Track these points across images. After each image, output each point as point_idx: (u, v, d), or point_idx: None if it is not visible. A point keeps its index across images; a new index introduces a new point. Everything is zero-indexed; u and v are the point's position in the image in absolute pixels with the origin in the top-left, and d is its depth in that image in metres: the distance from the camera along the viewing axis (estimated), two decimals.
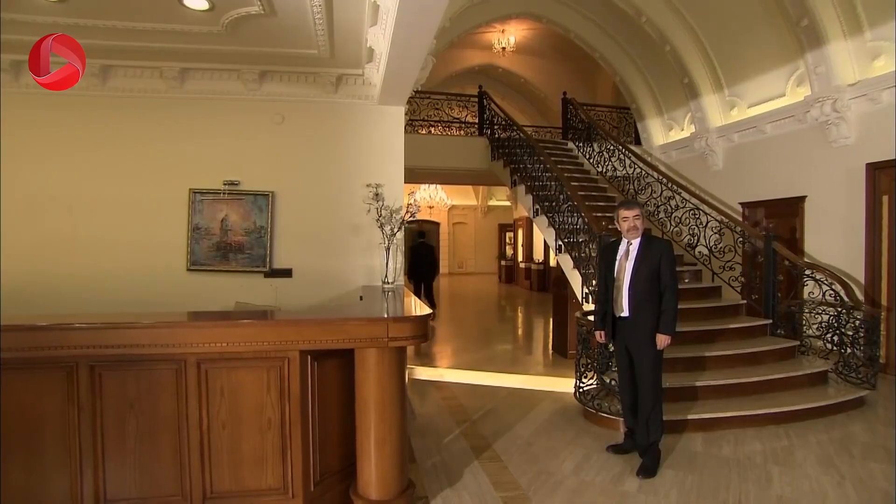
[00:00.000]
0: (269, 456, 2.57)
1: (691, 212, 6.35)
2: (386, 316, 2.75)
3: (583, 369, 4.52)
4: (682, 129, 9.13)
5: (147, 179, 4.27)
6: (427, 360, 6.67)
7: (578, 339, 4.54)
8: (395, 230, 4.16)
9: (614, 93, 12.25)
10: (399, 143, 4.47)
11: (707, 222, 6.15)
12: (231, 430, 2.54)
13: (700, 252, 6.22)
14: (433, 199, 20.63)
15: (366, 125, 4.44)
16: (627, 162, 7.76)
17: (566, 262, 6.13)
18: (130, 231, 4.24)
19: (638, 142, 10.10)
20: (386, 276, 4.13)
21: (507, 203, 20.80)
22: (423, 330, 2.65)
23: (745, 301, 5.65)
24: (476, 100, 9.89)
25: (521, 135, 8.10)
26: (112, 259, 4.21)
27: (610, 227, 4.92)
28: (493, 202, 23.21)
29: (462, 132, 9.92)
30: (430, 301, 10.32)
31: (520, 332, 9.78)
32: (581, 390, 4.53)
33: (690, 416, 3.98)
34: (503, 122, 8.91)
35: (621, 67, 9.74)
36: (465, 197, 22.94)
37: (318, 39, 3.79)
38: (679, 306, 3.41)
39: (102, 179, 4.26)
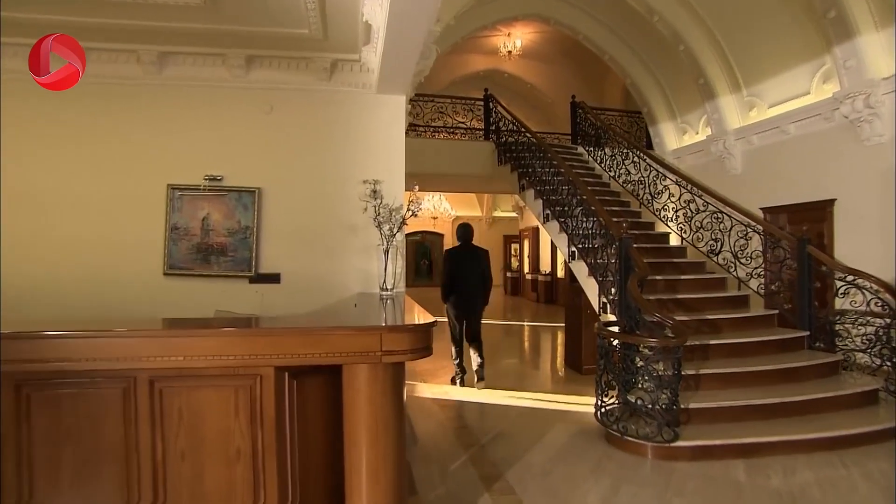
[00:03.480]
0: (238, 492, 2.12)
1: (713, 216, 5.91)
2: (380, 325, 2.32)
3: (605, 387, 4.06)
4: (697, 133, 8.73)
5: (121, 174, 3.85)
6: (429, 375, 6.19)
7: (599, 353, 4.08)
8: (395, 230, 3.74)
9: (624, 97, 11.90)
10: (399, 136, 4.07)
11: (731, 226, 5.70)
12: (192, 462, 2.09)
13: (724, 258, 5.76)
14: (437, 210, 20.26)
15: (363, 116, 4.04)
16: (642, 165, 7.34)
17: (580, 270, 5.69)
18: (102, 231, 3.82)
19: (650, 147, 9.69)
20: (384, 281, 3.70)
21: (513, 214, 20.39)
22: (424, 342, 2.21)
23: (776, 311, 5.18)
24: (482, 103, 9.54)
25: (530, 137, 7.71)
26: (80, 262, 3.78)
27: (631, 231, 4.50)
28: (497, 213, 22.81)
29: (467, 136, 9.55)
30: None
31: (528, 345, 9.29)
32: (603, 410, 4.07)
33: (729, 441, 3.51)
34: (510, 126, 8.53)
35: (632, 70, 9.37)
36: (469, 207, 22.54)
37: (309, 15, 3.41)
38: (706, 317, 2.95)
39: (71, 174, 3.85)
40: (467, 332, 5.68)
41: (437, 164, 9.05)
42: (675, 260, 6.00)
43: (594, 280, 5.25)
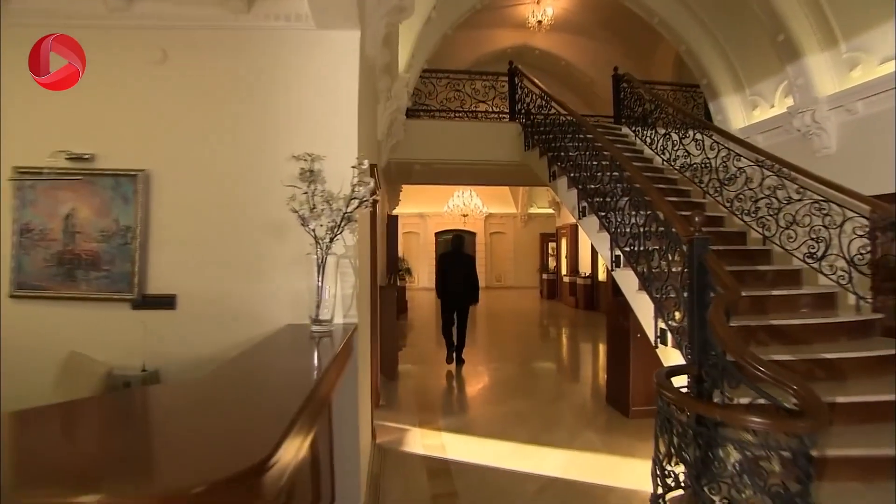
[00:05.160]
0: None
1: (815, 207, 4.30)
2: None
3: (666, 470, 2.60)
4: (773, 106, 7.00)
5: None
6: (427, 414, 4.85)
7: (659, 422, 2.62)
8: (338, 229, 2.41)
9: (676, 71, 10.22)
10: (349, 91, 2.72)
11: (843, 221, 4.08)
12: None
13: (831, 265, 4.14)
14: (467, 207, 18.87)
15: (296, 62, 2.72)
16: (707, 144, 5.74)
17: (627, 281, 4.20)
18: None
19: (706, 129, 7.97)
20: (319, 311, 2.39)
21: (550, 210, 18.76)
22: None
23: None
24: (506, 79, 8.10)
25: (561, 110, 6.24)
26: None
27: (703, 229, 3.00)
28: (533, 209, 21.23)
29: (489, 119, 8.13)
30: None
31: (560, 366, 7.78)
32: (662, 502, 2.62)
33: None
34: (539, 102, 7.07)
35: (688, 34, 7.71)
36: (503, 204, 21.08)
37: None
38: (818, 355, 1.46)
39: None
40: (458, 325, 7.07)
41: (451, 150, 7.70)
42: (758, 267, 4.41)
43: (648, 296, 3.77)
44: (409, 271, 15.85)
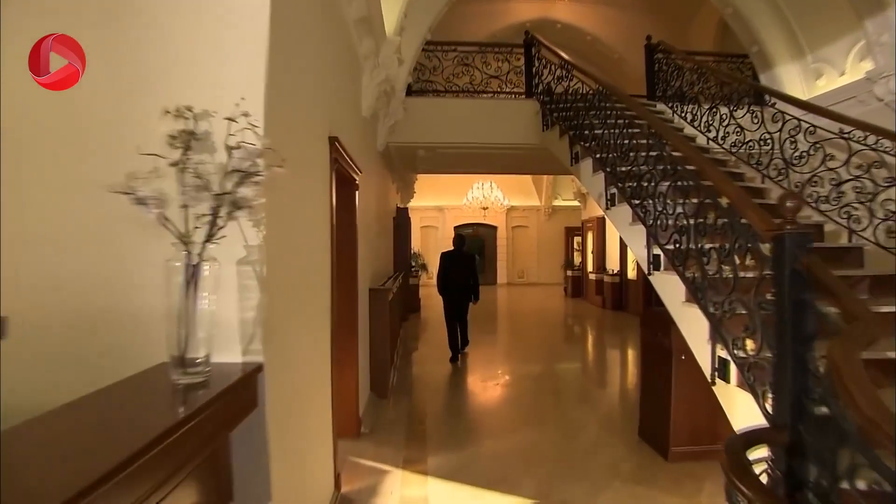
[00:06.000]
0: None
1: None
2: None
3: None
4: (843, 73, 5.84)
5: None
6: (416, 448, 3.94)
7: None
8: (218, 219, 1.51)
9: (718, 41, 9.03)
10: (259, 12, 1.81)
11: None
12: None
13: None
14: (487, 199, 17.83)
15: None
16: (768, 116, 4.64)
17: (670, 289, 3.20)
18: None
19: (760, 101, 6.77)
20: (185, 347, 1.49)
21: (576, 203, 17.60)
22: None
23: None
24: (521, 51, 7.09)
25: (586, 80, 5.24)
26: None
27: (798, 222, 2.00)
28: (558, 202, 20.07)
29: (502, 97, 7.14)
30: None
31: (585, 382, 6.77)
32: None
33: None
34: (559, 73, 6.05)
35: None
36: (525, 196, 19.98)
37: None
38: None
39: None
40: (459, 323, 7.28)
41: (459, 132, 6.75)
42: (849, 272, 3.31)
43: (700, 311, 2.76)
44: (424, 267, 14.93)
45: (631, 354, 8.44)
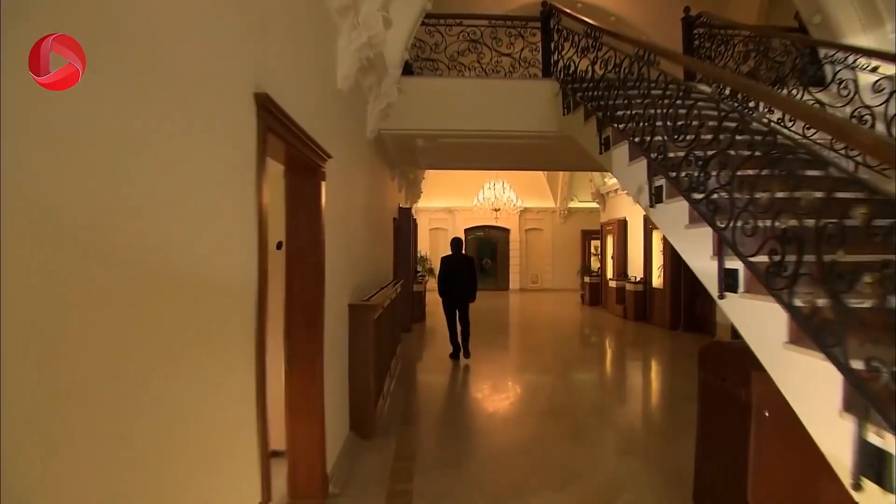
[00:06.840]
0: None
1: None
2: None
3: None
4: None
5: None
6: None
7: None
8: None
9: (761, 16, 7.98)
10: None
11: None
12: None
13: None
14: (499, 200, 16.79)
15: None
16: (864, 84, 3.59)
17: (760, 322, 2.17)
18: None
19: (818, 82, 5.64)
20: None
21: (594, 204, 16.51)
22: None
23: None
24: (537, 26, 6.11)
25: (619, 47, 4.24)
26: None
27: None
28: (574, 204, 18.98)
29: (515, 77, 6.15)
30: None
31: (612, 418, 5.70)
32: None
33: None
34: (584, 43, 5.04)
35: None
36: (539, 197, 18.94)
37: None
38: None
39: None
40: (459, 318, 7.59)
41: (464, 118, 5.78)
42: None
43: (824, 363, 1.74)
44: (431, 272, 13.94)
45: (664, 380, 7.38)
